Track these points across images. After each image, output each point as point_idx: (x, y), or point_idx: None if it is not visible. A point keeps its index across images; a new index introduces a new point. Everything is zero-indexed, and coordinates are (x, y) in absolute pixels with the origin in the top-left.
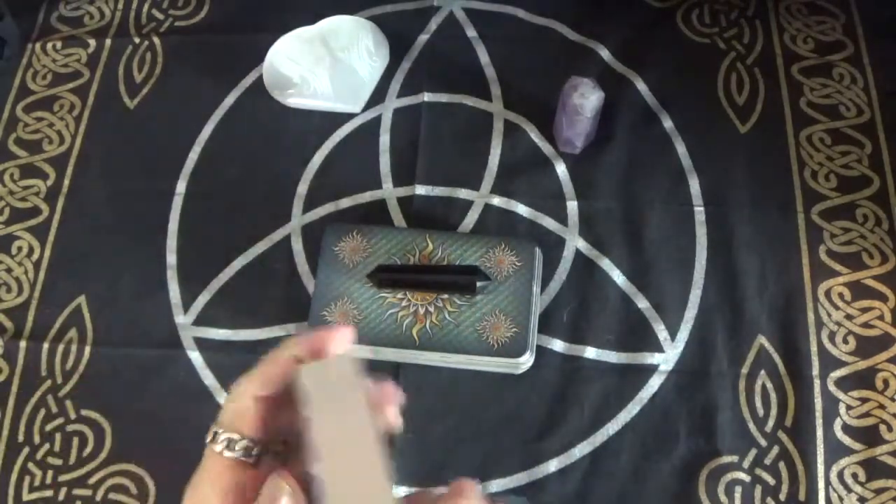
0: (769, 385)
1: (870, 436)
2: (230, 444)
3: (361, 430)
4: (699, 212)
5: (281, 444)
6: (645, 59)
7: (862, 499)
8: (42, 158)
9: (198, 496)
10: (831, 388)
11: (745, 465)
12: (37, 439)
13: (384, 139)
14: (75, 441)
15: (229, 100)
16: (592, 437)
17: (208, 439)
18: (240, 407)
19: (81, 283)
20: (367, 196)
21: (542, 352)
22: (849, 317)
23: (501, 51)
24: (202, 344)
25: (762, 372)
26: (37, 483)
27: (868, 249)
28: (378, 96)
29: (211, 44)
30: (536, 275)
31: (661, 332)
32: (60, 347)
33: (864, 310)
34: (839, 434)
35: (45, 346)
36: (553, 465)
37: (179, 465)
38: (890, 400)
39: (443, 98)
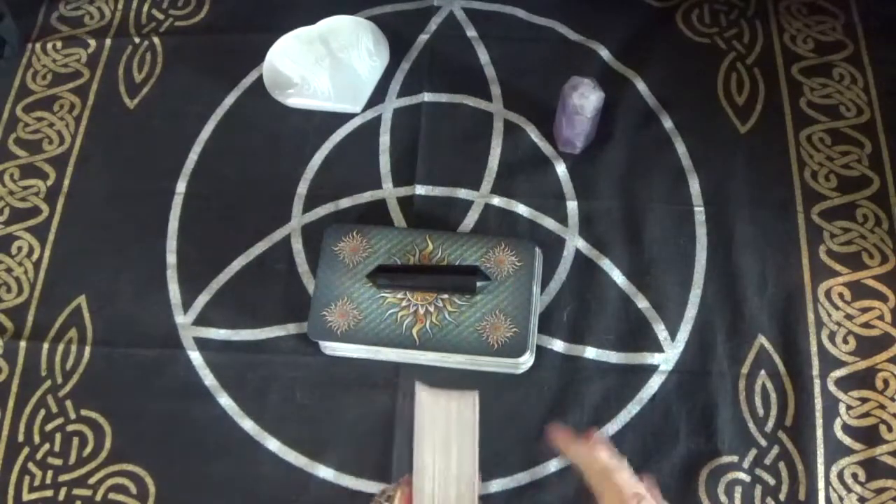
0: (769, 385)
1: (870, 436)
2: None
3: (464, 460)
4: (699, 212)
5: None
6: (645, 59)
7: (862, 499)
8: (42, 158)
9: None
10: (831, 388)
11: (745, 465)
12: (37, 439)
13: (384, 139)
14: (75, 441)
15: (229, 100)
16: None
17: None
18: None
19: (81, 283)
20: (367, 196)
21: (542, 352)
22: (849, 317)
23: (501, 51)
24: (202, 344)
25: (762, 372)
26: (37, 483)
27: (868, 249)
28: (378, 96)
29: (211, 44)
30: (536, 275)
31: (661, 332)
32: (60, 347)
33: (864, 310)
34: (839, 434)
35: (45, 346)
36: (553, 465)
37: (179, 465)
38: (890, 400)
39: (443, 98)
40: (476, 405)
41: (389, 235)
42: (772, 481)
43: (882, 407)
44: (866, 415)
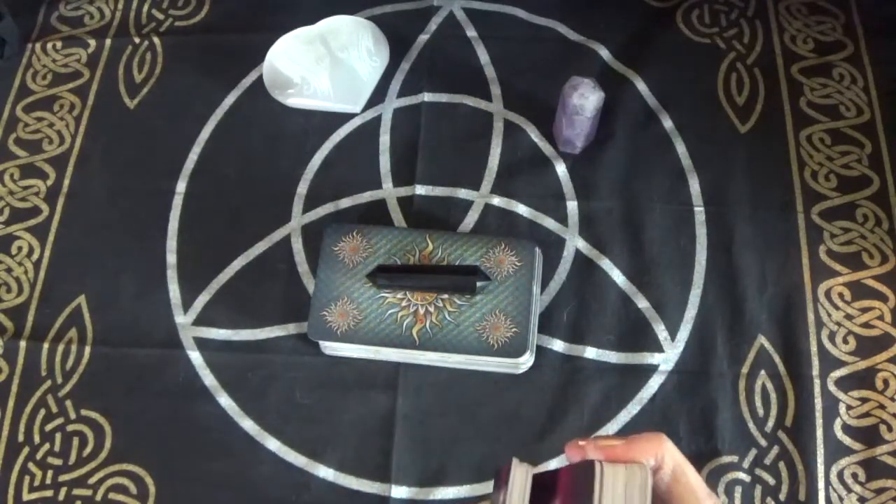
0: (769, 385)
1: (870, 436)
2: None
3: None
4: (699, 212)
5: None
6: (645, 59)
7: (862, 499)
8: (42, 158)
9: None
10: (831, 388)
11: (745, 465)
12: (37, 439)
13: (384, 139)
14: (75, 441)
15: (229, 100)
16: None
17: None
18: None
19: (81, 283)
20: (367, 196)
21: (542, 352)
22: (849, 317)
23: (501, 51)
24: (202, 344)
25: (762, 372)
26: (37, 483)
27: (868, 249)
28: (378, 96)
29: (211, 44)
30: (536, 275)
31: (661, 332)
32: (60, 347)
33: (864, 310)
34: (839, 434)
35: (45, 346)
36: (553, 465)
37: (179, 465)
38: (890, 400)
39: (443, 98)
40: (649, 483)
41: (389, 235)
42: (772, 481)
43: (882, 407)
44: (866, 415)
